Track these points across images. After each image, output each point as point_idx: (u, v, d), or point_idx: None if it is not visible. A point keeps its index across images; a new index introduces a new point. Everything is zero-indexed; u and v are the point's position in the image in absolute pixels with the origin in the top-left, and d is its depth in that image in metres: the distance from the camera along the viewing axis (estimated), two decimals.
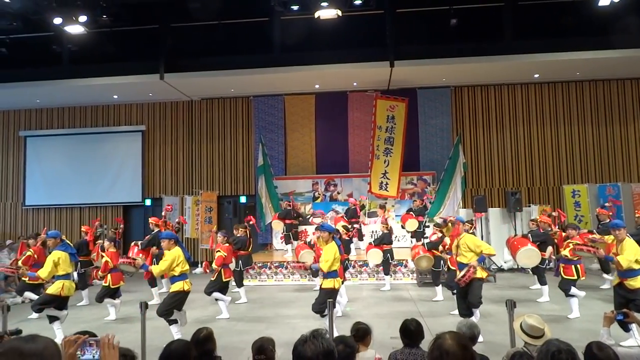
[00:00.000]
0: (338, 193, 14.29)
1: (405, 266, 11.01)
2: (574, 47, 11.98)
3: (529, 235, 9.45)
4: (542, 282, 8.80)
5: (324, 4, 10.21)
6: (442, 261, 8.96)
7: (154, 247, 9.60)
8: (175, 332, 6.34)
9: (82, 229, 11.17)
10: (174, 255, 6.41)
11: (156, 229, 9.91)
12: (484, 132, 14.53)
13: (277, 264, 11.45)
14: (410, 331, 3.86)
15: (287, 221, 12.56)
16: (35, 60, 12.99)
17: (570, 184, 13.69)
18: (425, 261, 9.04)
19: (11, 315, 5.89)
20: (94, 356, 1.81)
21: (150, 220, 10.38)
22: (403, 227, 12.07)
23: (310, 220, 13.67)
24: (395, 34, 12.33)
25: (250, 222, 10.40)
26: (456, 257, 6.84)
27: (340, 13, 10.39)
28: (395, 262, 10.66)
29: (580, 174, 14.10)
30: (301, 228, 13.14)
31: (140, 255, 9.40)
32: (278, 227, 12.81)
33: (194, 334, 3.78)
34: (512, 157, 14.38)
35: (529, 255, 8.71)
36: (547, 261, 8.95)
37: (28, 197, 15.68)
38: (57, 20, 10.36)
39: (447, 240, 8.30)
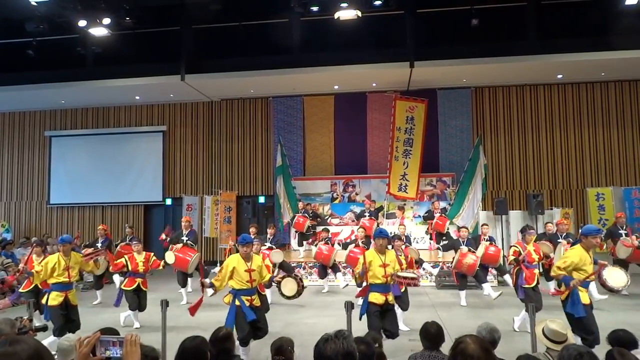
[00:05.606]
0: (356, 194, 14.24)
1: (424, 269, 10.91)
2: (599, 46, 11.66)
3: None
4: None
5: (344, 4, 10.18)
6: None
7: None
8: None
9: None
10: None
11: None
12: (505, 133, 14.31)
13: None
14: (431, 334, 3.82)
15: (312, 221, 12.93)
16: (60, 62, 13.24)
17: (594, 186, 13.38)
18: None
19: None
20: (117, 354, 1.83)
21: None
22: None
23: (328, 221, 13.71)
24: (415, 34, 12.21)
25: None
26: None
27: (359, 14, 10.34)
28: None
29: (604, 176, 13.76)
30: (318, 229, 13.16)
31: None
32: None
33: (213, 332, 3.81)
34: (534, 159, 14.12)
35: None
36: None
37: (52, 195, 16.00)
38: (82, 23, 10.58)
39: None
